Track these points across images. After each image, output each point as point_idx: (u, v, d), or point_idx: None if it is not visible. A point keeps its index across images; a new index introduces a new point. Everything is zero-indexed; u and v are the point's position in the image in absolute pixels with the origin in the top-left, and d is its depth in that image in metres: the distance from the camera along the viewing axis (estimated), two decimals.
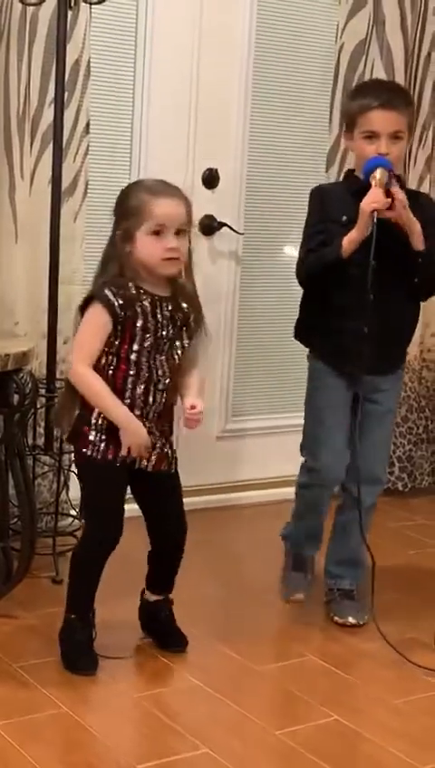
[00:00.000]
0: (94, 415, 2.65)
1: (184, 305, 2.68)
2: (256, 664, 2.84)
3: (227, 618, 3.07)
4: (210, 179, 3.85)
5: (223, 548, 3.61)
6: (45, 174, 3.35)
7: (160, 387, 2.66)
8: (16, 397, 2.97)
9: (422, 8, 4.05)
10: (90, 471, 2.71)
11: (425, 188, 4.14)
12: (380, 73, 3.99)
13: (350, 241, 2.82)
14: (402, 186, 2.98)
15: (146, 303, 2.61)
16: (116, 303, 2.58)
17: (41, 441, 3.38)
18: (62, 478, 3.39)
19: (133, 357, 2.62)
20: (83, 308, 2.65)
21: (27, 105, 3.35)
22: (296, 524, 3.23)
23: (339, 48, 3.94)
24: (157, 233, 2.57)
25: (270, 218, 4.07)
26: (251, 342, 4.09)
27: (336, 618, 3.08)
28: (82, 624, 2.74)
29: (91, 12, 3.39)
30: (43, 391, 3.26)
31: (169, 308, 2.65)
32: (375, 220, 2.77)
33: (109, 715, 2.56)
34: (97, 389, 2.61)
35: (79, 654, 2.74)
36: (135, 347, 2.61)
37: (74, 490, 3.44)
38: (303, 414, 3.13)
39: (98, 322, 2.60)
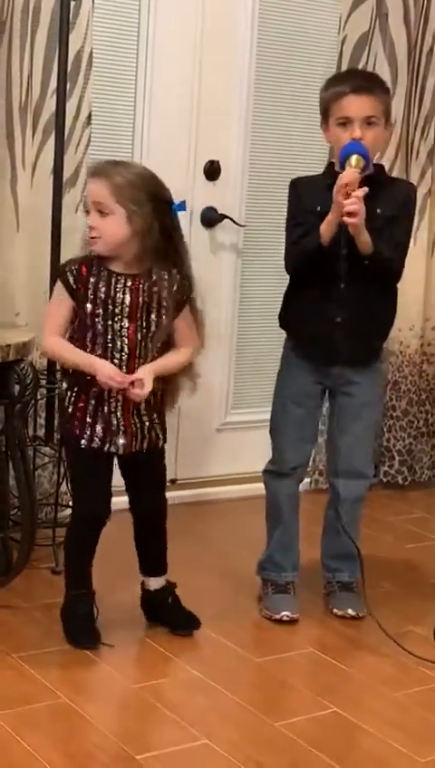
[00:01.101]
0: (69, 401, 2.75)
1: (154, 283, 2.72)
2: (254, 655, 2.84)
3: (226, 609, 3.07)
4: (212, 171, 3.84)
5: (222, 540, 3.61)
6: (47, 165, 3.35)
7: (117, 361, 2.69)
8: (17, 387, 2.97)
9: (425, 1, 4.04)
10: (71, 455, 2.84)
11: (426, 181, 4.15)
12: (383, 66, 3.98)
13: (327, 223, 2.81)
14: (382, 172, 2.98)
15: (101, 281, 2.70)
16: (71, 279, 2.71)
17: (41, 432, 3.38)
18: (62, 469, 3.39)
19: (88, 332, 2.70)
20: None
21: (29, 95, 3.34)
22: (268, 543, 3.14)
23: (342, 40, 3.93)
24: (87, 212, 2.72)
25: (272, 211, 4.05)
26: (251, 334, 4.08)
27: (335, 610, 3.08)
28: (82, 601, 2.79)
29: (93, 2, 3.39)
30: (43, 382, 3.26)
31: (129, 284, 2.70)
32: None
33: (107, 706, 2.57)
34: (60, 348, 2.74)
35: (81, 629, 2.79)
36: (87, 321, 2.70)
37: None
38: None
39: (58, 294, 2.76)
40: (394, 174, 4.02)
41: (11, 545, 3.06)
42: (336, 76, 3.16)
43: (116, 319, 2.69)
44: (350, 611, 3.06)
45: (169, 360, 2.77)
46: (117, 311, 2.69)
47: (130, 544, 2.86)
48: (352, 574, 3.14)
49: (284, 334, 3.12)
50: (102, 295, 2.69)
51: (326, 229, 2.82)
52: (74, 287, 2.71)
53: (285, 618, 3.01)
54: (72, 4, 3.24)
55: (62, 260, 3.30)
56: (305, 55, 4.00)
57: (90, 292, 2.70)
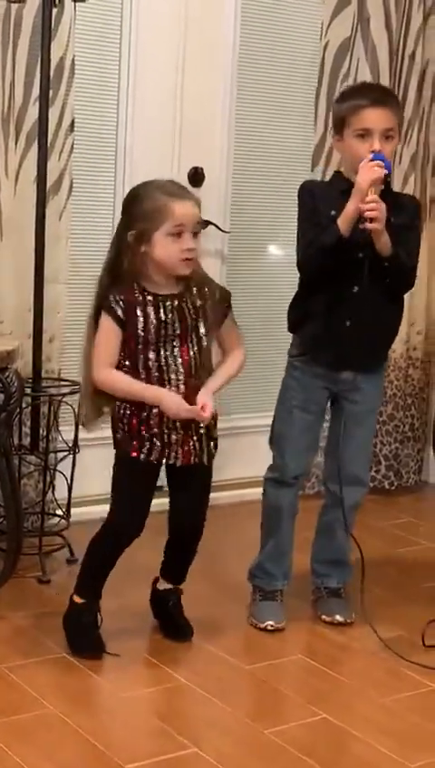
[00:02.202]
0: (119, 416, 2.71)
1: (195, 298, 2.71)
2: (244, 663, 2.83)
3: (214, 617, 3.05)
4: (196, 178, 3.83)
5: (211, 547, 3.60)
6: (30, 172, 3.34)
7: (174, 384, 2.68)
8: (1, 396, 2.95)
9: (406, 6, 4.05)
10: (121, 464, 2.77)
11: (410, 186, 4.15)
12: (365, 72, 3.99)
13: (345, 215, 2.78)
14: (389, 186, 2.98)
15: (149, 307, 2.66)
16: (119, 311, 2.65)
17: (26, 441, 3.36)
18: (48, 478, 3.38)
19: (140, 358, 2.67)
20: (96, 318, 2.71)
21: (12, 103, 3.33)
22: (261, 551, 3.12)
23: (324, 46, 3.94)
24: (176, 234, 2.62)
25: (256, 217, 4.06)
26: None
27: (324, 616, 3.07)
28: (89, 609, 2.78)
29: (75, 10, 3.38)
30: (28, 390, 3.24)
31: (175, 304, 2.68)
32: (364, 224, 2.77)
33: (96, 716, 2.55)
34: (120, 383, 2.68)
35: (85, 638, 2.78)
36: (139, 347, 2.66)
37: (60, 490, 3.44)
38: None
39: (107, 329, 2.67)
40: None
41: None
42: (353, 88, 3.16)
43: (168, 343, 2.67)
44: (338, 617, 3.06)
45: (224, 375, 2.77)
46: (169, 333, 2.67)
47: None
48: (340, 580, 3.14)
49: (281, 341, 3.09)
50: (154, 320, 2.66)
51: (345, 222, 2.78)
52: (123, 318, 2.65)
53: (269, 627, 3.00)
54: (54, 11, 3.22)
55: (45, 268, 3.30)
56: (287, 61, 4.01)
57: (140, 319, 2.65)
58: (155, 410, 2.67)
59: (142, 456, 2.70)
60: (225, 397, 4.05)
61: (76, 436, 3.36)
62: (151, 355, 2.67)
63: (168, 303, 2.67)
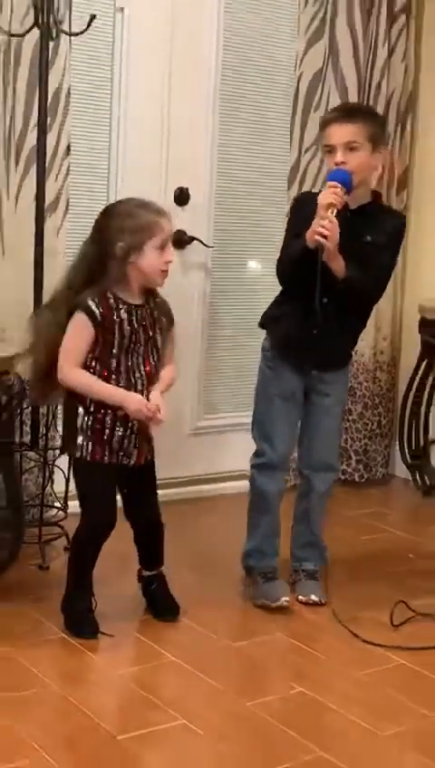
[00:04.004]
0: (79, 420, 2.68)
1: (153, 312, 2.70)
2: (230, 641, 2.81)
3: (201, 599, 3.03)
4: (182, 197, 3.81)
5: (196, 536, 3.58)
6: (30, 193, 3.31)
7: (139, 388, 2.67)
8: (4, 398, 2.93)
9: (373, 41, 4.04)
10: (81, 470, 2.75)
11: None
12: (335, 100, 3.98)
13: (311, 231, 2.76)
14: (377, 199, 2.94)
15: (123, 313, 2.64)
16: (97, 312, 2.61)
17: (27, 438, 3.34)
18: (47, 473, 3.35)
19: (113, 362, 2.64)
20: (68, 317, 2.65)
21: (12, 129, 3.31)
22: (249, 533, 3.09)
23: (298, 77, 3.93)
24: (161, 247, 2.63)
25: (237, 233, 4.05)
26: (220, 346, 4.06)
27: (301, 596, 3.05)
28: (83, 595, 2.76)
29: (71, 43, 3.36)
30: (28, 392, 3.21)
31: (142, 314, 2.67)
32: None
33: (92, 691, 2.52)
34: (86, 381, 2.64)
35: (81, 621, 2.75)
36: (114, 351, 2.64)
37: (59, 483, 3.41)
38: None
39: (81, 328, 2.62)
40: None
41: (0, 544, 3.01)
42: (329, 110, 3.12)
43: (136, 350, 2.66)
44: (313, 597, 3.03)
45: (166, 382, 2.74)
46: (137, 341, 2.66)
47: (121, 543, 2.81)
48: (316, 563, 3.13)
49: (259, 347, 3.07)
50: (128, 326, 2.64)
51: (310, 234, 2.76)
52: (100, 320, 2.62)
53: (284, 603, 2.94)
54: (51, 45, 3.20)
55: (45, 280, 3.27)
56: (265, 90, 3.99)
57: (116, 324, 2.63)
58: (120, 412, 2.64)
59: (105, 458, 2.69)
60: (210, 398, 4.05)
61: None
62: (123, 359, 2.65)
63: (137, 311, 2.66)
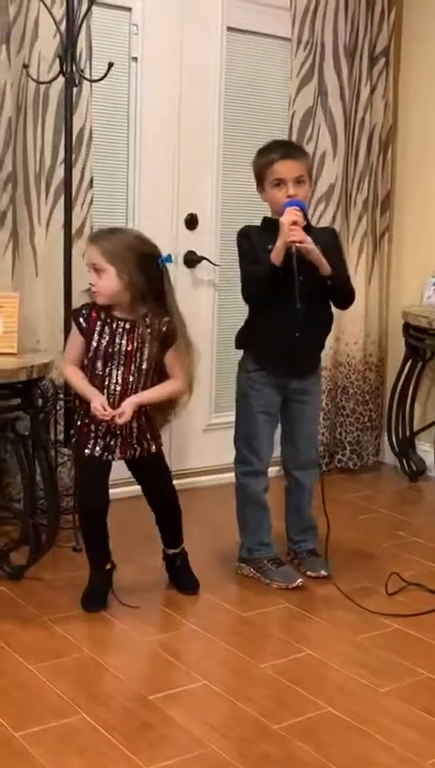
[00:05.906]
0: (76, 416, 2.74)
1: (146, 328, 2.66)
2: (241, 611, 2.79)
3: (217, 576, 3.01)
4: (191, 222, 3.80)
5: (211, 521, 3.56)
6: (58, 221, 3.30)
7: (111, 392, 2.66)
8: (40, 400, 2.91)
9: (356, 82, 4.02)
10: (75, 461, 2.84)
11: (363, 225, 4.12)
12: (324, 134, 3.96)
13: (276, 249, 2.73)
14: (308, 223, 2.88)
15: (104, 325, 2.66)
16: (81, 320, 2.68)
17: (61, 436, 3.32)
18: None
19: (90, 366, 2.68)
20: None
21: (42, 165, 3.30)
22: (247, 531, 3.02)
23: (291, 115, 3.91)
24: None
25: None
26: (228, 353, 3.99)
27: (309, 572, 3.00)
28: (97, 574, 2.76)
29: (92, 88, 3.34)
30: (61, 395, 3.20)
31: (125, 328, 2.65)
32: (294, 249, 2.71)
33: (123, 657, 2.50)
34: (71, 377, 2.72)
35: (90, 595, 2.74)
36: (90, 356, 2.67)
37: None
38: None
39: (73, 332, 2.73)
40: (337, 221, 4.01)
41: (40, 529, 2.99)
42: (265, 147, 2.93)
43: (114, 360, 2.65)
44: (323, 572, 2.99)
45: (156, 392, 2.69)
46: (115, 352, 2.64)
47: (140, 524, 2.79)
48: (314, 542, 3.09)
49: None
50: (107, 337, 2.65)
51: (276, 254, 2.74)
52: (84, 327, 2.67)
53: (300, 583, 2.91)
54: (75, 90, 3.19)
55: (73, 297, 3.26)
56: (262, 127, 3.96)
57: (96, 333, 2.65)
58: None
59: (92, 452, 2.69)
60: (220, 398, 4.03)
61: None
62: (99, 365, 2.65)
63: (121, 325, 2.65)
